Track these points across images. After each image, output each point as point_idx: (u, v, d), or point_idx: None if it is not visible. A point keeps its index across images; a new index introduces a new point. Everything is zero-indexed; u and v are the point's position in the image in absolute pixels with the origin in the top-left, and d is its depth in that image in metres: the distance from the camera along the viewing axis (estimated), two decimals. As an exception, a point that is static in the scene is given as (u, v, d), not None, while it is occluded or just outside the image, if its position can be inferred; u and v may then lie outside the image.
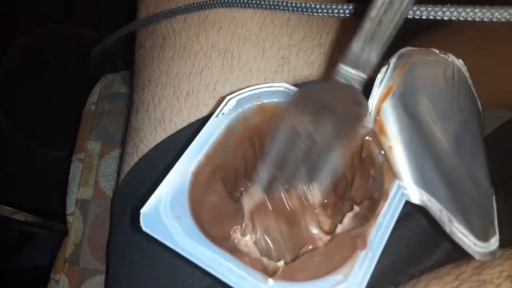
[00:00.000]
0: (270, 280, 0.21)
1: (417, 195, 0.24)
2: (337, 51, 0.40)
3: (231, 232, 0.26)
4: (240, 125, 0.28)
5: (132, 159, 0.41)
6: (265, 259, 0.23)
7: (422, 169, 0.25)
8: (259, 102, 0.28)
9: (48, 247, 0.76)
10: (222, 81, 0.38)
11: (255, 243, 0.28)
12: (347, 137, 0.27)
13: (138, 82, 0.44)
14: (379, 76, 0.27)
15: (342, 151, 0.28)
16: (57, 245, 0.55)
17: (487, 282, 0.25)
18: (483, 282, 0.26)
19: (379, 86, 0.26)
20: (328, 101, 0.25)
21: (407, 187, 0.25)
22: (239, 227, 0.27)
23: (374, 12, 0.23)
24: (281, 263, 0.23)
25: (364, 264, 0.22)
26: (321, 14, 0.36)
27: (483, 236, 0.27)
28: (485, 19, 0.27)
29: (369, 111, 0.26)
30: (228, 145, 0.28)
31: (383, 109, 0.25)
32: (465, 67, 0.31)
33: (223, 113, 0.27)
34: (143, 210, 0.23)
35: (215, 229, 0.25)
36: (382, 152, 0.26)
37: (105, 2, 0.88)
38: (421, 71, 0.28)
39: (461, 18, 0.28)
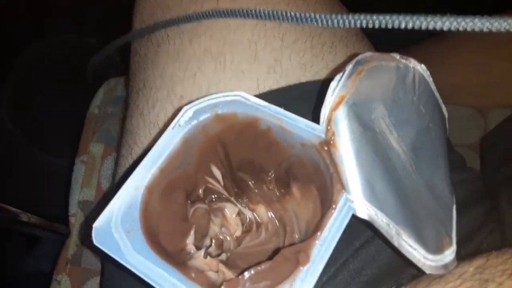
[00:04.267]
0: None
1: (364, 210, 0.24)
2: (329, 53, 0.41)
3: (187, 244, 0.27)
4: (200, 134, 0.28)
5: (127, 161, 0.43)
6: (212, 273, 0.24)
7: (372, 181, 0.25)
8: (216, 112, 0.28)
9: (50, 250, 0.78)
10: (215, 83, 0.39)
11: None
12: None
13: (133, 87, 0.46)
14: (332, 85, 0.26)
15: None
16: (60, 246, 0.57)
17: (489, 281, 0.26)
18: (485, 280, 0.26)
19: (332, 95, 0.26)
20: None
21: (354, 200, 0.24)
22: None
23: None
24: (229, 276, 0.24)
25: (305, 280, 0.22)
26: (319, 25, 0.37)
27: (437, 248, 0.27)
28: (485, 29, 0.27)
29: (321, 120, 0.26)
30: (188, 155, 0.28)
31: (334, 119, 0.25)
32: (428, 72, 0.30)
33: (179, 125, 0.27)
34: (95, 225, 0.24)
35: (170, 242, 0.26)
36: (333, 162, 0.25)
37: (109, 10, 0.90)
38: (379, 77, 0.28)
39: (461, 28, 0.28)
